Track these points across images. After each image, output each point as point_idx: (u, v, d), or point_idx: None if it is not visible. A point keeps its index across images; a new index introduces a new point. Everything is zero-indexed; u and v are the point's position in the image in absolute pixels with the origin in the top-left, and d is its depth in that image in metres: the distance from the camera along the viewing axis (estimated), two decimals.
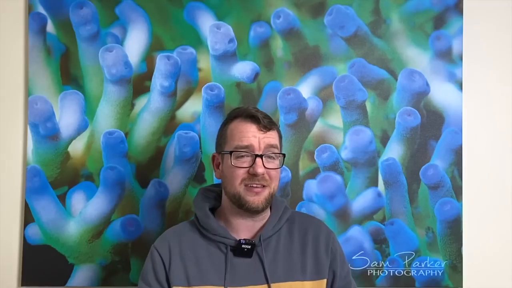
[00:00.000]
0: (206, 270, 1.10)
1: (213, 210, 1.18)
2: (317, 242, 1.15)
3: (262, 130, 1.10)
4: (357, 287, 1.22)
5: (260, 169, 1.07)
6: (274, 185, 1.12)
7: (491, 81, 1.52)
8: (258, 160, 1.08)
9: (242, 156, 1.09)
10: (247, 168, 1.09)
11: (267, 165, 1.09)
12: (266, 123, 1.11)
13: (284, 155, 1.15)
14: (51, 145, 1.47)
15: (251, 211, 1.10)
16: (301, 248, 1.14)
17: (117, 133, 1.47)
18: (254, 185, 1.09)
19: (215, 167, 1.18)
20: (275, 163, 1.11)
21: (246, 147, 1.09)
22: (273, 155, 1.11)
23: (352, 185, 1.48)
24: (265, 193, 1.10)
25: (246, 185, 1.09)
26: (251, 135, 1.10)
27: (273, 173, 1.11)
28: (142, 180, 1.47)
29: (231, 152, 1.10)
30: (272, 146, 1.11)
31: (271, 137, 1.12)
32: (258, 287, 1.09)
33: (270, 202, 1.13)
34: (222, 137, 1.16)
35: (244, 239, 1.11)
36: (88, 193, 1.47)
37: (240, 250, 1.10)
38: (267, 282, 1.09)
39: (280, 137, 1.18)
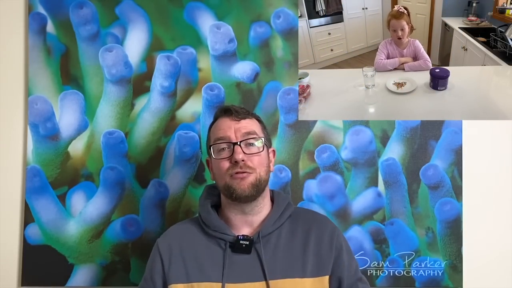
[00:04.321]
0: (205, 266, 1.11)
1: (217, 207, 1.20)
2: (321, 239, 1.15)
3: (236, 120, 1.14)
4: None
5: (239, 155, 1.09)
6: (260, 171, 1.12)
7: None
8: (236, 147, 1.10)
9: (223, 149, 1.13)
10: (229, 158, 1.11)
11: (246, 151, 1.11)
12: (240, 112, 1.14)
13: (264, 138, 1.15)
14: (51, 145, 1.47)
15: (242, 199, 1.11)
16: (303, 245, 1.14)
17: (117, 133, 1.47)
18: (237, 172, 1.10)
19: (210, 170, 1.20)
20: (256, 148, 1.13)
21: (222, 138, 1.13)
22: (252, 141, 1.12)
23: (352, 185, 1.48)
24: (251, 178, 1.10)
25: (231, 175, 1.11)
26: (226, 126, 1.14)
27: (256, 158, 1.12)
28: (142, 180, 1.48)
29: (210, 146, 1.15)
30: (249, 132, 1.13)
31: (248, 124, 1.14)
32: (256, 283, 1.09)
33: (261, 189, 1.13)
34: (208, 139, 1.20)
35: (242, 235, 1.12)
36: (88, 193, 1.47)
37: (239, 246, 1.11)
38: (265, 279, 1.09)
39: (263, 126, 1.19)
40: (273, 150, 1.22)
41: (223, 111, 1.17)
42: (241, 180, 1.10)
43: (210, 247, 1.13)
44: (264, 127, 1.19)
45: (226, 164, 1.11)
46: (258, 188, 1.11)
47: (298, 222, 1.18)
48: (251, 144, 1.12)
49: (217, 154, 1.13)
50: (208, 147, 1.17)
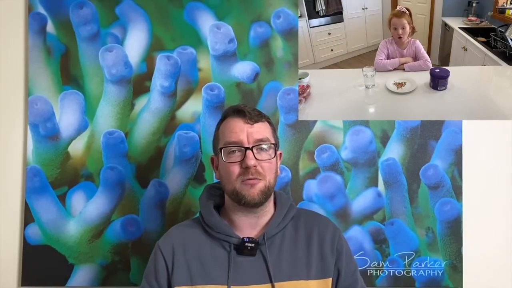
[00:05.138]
0: (210, 269, 1.09)
1: (219, 207, 1.19)
2: (323, 240, 1.14)
3: (249, 123, 1.11)
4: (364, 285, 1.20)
5: (251, 161, 1.07)
6: (270, 178, 1.11)
7: None
8: (248, 152, 1.08)
9: (233, 151, 1.10)
10: (239, 163, 1.09)
11: (258, 157, 1.09)
12: (253, 115, 1.11)
13: (275, 144, 1.13)
14: (51, 145, 1.47)
15: (250, 205, 1.10)
16: (306, 246, 1.13)
17: (117, 133, 1.47)
18: (249, 178, 1.08)
19: (215, 169, 1.18)
20: (267, 154, 1.11)
21: (235, 142, 1.10)
22: (264, 146, 1.10)
23: (352, 185, 1.48)
24: (260, 185, 1.09)
25: (242, 181, 1.09)
26: (238, 129, 1.11)
27: (267, 165, 1.10)
28: (142, 180, 1.48)
29: (221, 149, 1.12)
30: (261, 139, 1.10)
31: (260, 129, 1.12)
32: (262, 286, 1.08)
33: (269, 195, 1.12)
34: (216, 139, 1.17)
35: (247, 238, 1.11)
36: (88, 193, 1.47)
37: (244, 248, 1.10)
38: (271, 281, 1.08)
39: (273, 129, 1.17)
40: (280, 153, 1.20)
41: (236, 111, 1.13)
42: (251, 186, 1.08)
43: (214, 249, 1.12)
44: (274, 130, 1.17)
45: (236, 169, 1.09)
46: (267, 195, 1.11)
47: (300, 223, 1.17)
48: (263, 150, 1.10)
49: (227, 157, 1.10)
50: (218, 149, 1.14)
